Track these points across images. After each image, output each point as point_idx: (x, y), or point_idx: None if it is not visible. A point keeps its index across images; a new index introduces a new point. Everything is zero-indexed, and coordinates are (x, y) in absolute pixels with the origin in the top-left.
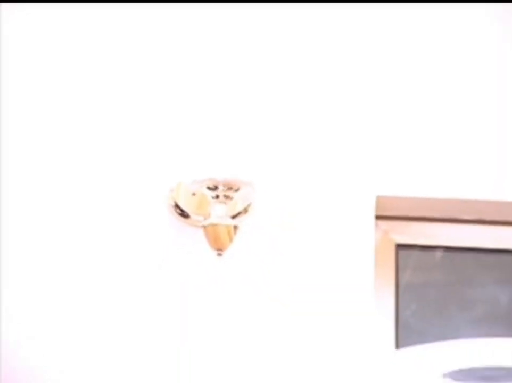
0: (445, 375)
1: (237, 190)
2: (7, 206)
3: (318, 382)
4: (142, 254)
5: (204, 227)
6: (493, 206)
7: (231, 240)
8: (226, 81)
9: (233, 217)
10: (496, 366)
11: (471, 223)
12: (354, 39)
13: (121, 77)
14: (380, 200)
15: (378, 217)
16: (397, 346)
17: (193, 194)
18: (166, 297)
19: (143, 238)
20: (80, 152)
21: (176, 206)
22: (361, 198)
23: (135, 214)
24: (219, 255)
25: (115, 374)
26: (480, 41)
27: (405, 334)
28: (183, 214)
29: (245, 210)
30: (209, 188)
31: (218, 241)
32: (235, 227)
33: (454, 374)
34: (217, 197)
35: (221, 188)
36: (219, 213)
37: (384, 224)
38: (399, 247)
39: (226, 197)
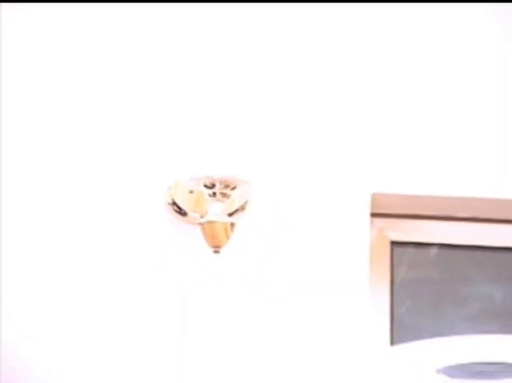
0: (439, 371)
1: (233, 188)
2: (7, 205)
3: (313, 378)
4: (140, 251)
5: (201, 224)
6: (488, 203)
7: (228, 237)
8: (224, 80)
9: (230, 214)
10: (490, 362)
11: (465, 220)
12: (352, 37)
13: (119, 77)
14: (375, 198)
15: (373, 215)
16: (392, 342)
17: (191, 192)
18: (163, 293)
19: (141, 235)
20: (78, 152)
21: (174, 203)
22: (357, 196)
23: (133, 211)
24: (216, 252)
25: (115, 370)
26: (480, 41)
27: (400, 331)
28: (181, 212)
29: (242, 207)
30: (206, 186)
31: (215, 239)
32: (232, 224)
33: (448, 370)
34: (214, 194)
35: (218, 185)
36: (216, 210)
37: (379, 221)
38: (394, 244)
39: (223, 194)
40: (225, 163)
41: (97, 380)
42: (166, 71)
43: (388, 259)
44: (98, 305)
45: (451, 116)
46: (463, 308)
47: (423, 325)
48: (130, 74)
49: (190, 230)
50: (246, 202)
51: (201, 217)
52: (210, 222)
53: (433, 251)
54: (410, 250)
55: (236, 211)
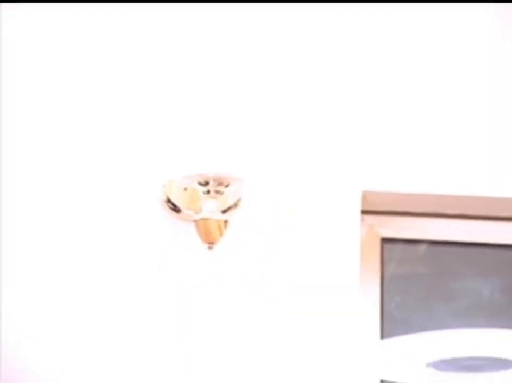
0: (428, 365)
1: (227, 186)
2: (7, 205)
3: (306, 370)
4: (136, 247)
5: (196, 221)
6: (476, 201)
7: (221, 234)
8: (218, 79)
9: (224, 211)
10: (478, 356)
11: (454, 217)
12: (349, 36)
13: (117, 77)
14: (366, 196)
15: (364, 212)
16: (382, 336)
17: (185, 189)
18: (160, 287)
19: (136, 232)
20: (75, 151)
21: (169, 201)
22: (348, 194)
23: (129, 209)
24: (210, 248)
25: (115, 368)
26: (480, 41)
27: (390, 325)
28: (175, 209)
29: (235, 205)
30: (200, 184)
31: (209, 235)
32: (225, 221)
33: (437, 364)
34: (208, 192)
35: (211, 183)
36: (210, 207)
37: (370, 218)
38: (384, 240)
39: (217, 192)
40: (218, 161)
41: (97, 380)
42: (160, 71)
43: (379, 255)
44: (96, 301)
45: (442, 115)
46: (452, 303)
47: (413, 319)
48: (127, 74)
49: (185, 226)
50: (239, 200)
51: (196, 214)
52: (204, 219)
53: (422, 247)
54: (400, 246)
55: (229, 208)
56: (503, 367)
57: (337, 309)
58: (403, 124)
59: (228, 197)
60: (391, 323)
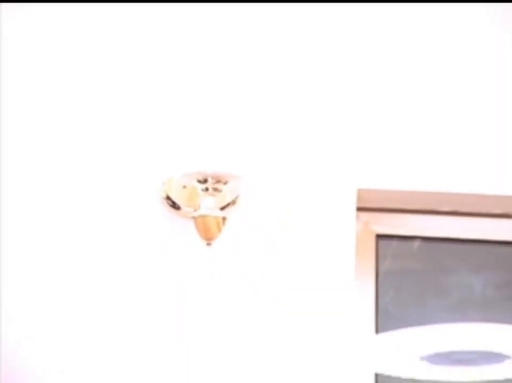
0: (422, 359)
1: (225, 183)
2: (7, 205)
3: (301, 364)
4: (136, 243)
5: (194, 218)
6: (468, 198)
7: (220, 230)
8: (216, 78)
9: (222, 208)
10: (471, 349)
11: (447, 214)
12: (349, 36)
13: (117, 76)
14: (361, 193)
15: (359, 209)
16: (377, 330)
17: (184, 187)
18: (159, 283)
19: (137, 229)
20: (75, 150)
21: (168, 198)
22: (343, 191)
23: (129, 206)
24: (208, 244)
25: (115, 364)
26: (480, 41)
27: (384, 320)
28: (175, 206)
29: (233, 202)
30: (199, 181)
31: (208, 232)
32: (224, 218)
33: (431, 358)
34: (206, 189)
35: (210, 181)
36: (208, 204)
37: (365, 215)
38: (379, 237)
39: (215, 189)
40: (217, 160)
41: (97, 377)
42: (160, 70)
43: (373, 252)
44: (96, 298)
45: (437, 114)
46: (445, 298)
47: (407, 314)
48: (127, 73)
49: (184, 223)
50: (237, 197)
51: (195, 211)
52: (203, 216)
53: (416, 244)
54: (394, 243)
55: (227, 205)
56: (496, 361)
57: (332, 305)
58: (397, 124)
59: (226, 195)
60: (386, 318)
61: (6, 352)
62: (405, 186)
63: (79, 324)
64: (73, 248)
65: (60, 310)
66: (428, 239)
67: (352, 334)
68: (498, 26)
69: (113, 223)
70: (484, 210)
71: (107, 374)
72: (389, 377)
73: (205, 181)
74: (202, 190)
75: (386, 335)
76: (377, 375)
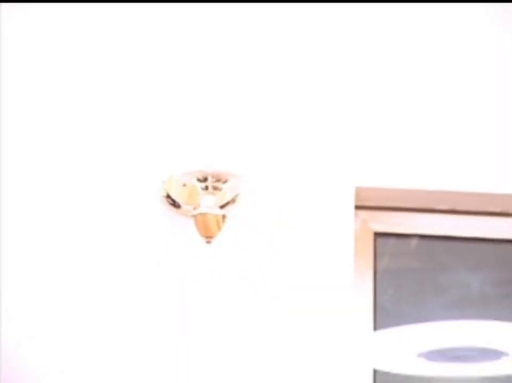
0: (420, 355)
1: (225, 182)
2: (7, 205)
3: (300, 361)
4: (137, 241)
5: (194, 216)
6: (466, 196)
7: (219, 228)
8: (216, 77)
9: (222, 207)
10: (468, 346)
11: (444, 212)
12: (348, 35)
13: (117, 75)
14: (359, 191)
15: (357, 207)
16: (375, 327)
17: (184, 185)
18: (159, 281)
19: (137, 227)
20: (76, 149)
21: (168, 196)
22: (341, 190)
23: (130, 204)
24: (208, 242)
25: (115, 363)
26: (480, 41)
27: (382, 317)
28: (175, 204)
29: (233, 200)
30: (199, 180)
31: (207, 230)
32: (223, 216)
33: (429, 354)
34: (206, 188)
35: (210, 179)
36: (208, 203)
37: (363, 213)
38: (377, 235)
39: (215, 188)
40: (216, 159)
41: (97, 376)
42: (160, 69)
43: (372, 250)
44: (96, 295)
45: (435, 113)
46: (442, 295)
47: (405, 311)
48: (127, 73)
49: (184, 221)
50: (236, 195)
51: (194, 209)
52: (202, 214)
53: (414, 241)
54: (392, 240)
55: (227, 203)
56: (493, 357)
57: (331, 302)
58: (395, 123)
59: (226, 193)
60: (384, 315)
61: (6, 352)
62: (403, 185)
63: (79, 322)
64: (73, 247)
65: (60, 309)
66: (425, 237)
67: (351, 331)
68: (498, 26)
69: (114, 221)
70: (481, 209)
71: (107, 370)
72: (387, 373)
73: (205, 179)
74: (202, 188)
75: (384, 332)
76: (375, 372)
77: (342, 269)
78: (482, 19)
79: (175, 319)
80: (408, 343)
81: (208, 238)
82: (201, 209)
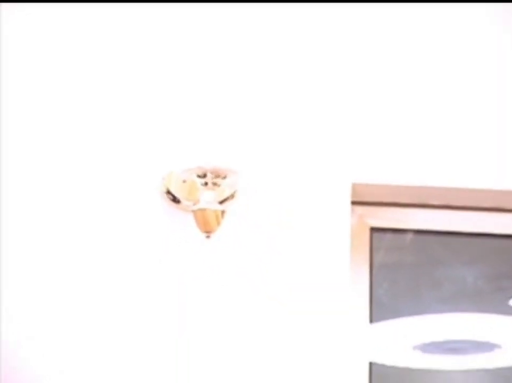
0: (415, 348)
1: (224, 178)
2: (7, 205)
3: (297, 353)
4: (137, 237)
5: (194, 212)
6: (460, 192)
7: (218, 223)
8: (215, 75)
9: (221, 202)
10: (462, 339)
11: (439, 208)
12: (347, 33)
13: (117, 73)
14: (355, 187)
15: (353, 203)
16: (371, 321)
17: (184, 181)
18: (160, 276)
19: (138, 222)
20: (77, 145)
21: (168, 192)
22: (338, 185)
23: (130, 200)
24: (208, 237)
25: (115, 359)
26: (480, 41)
27: (378, 310)
28: (175, 200)
29: (232, 196)
30: (198, 176)
31: (207, 225)
32: (222, 212)
33: (424, 347)
34: (206, 184)
35: (209, 175)
36: (208, 198)
37: (359, 209)
38: (373, 230)
39: (214, 184)
40: (216, 155)
41: (98, 376)
42: (160, 67)
43: (368, 244)
44: (96, 292)
45: (430, 111)
46: (437, 289)
47: (401, 305)
48: (127, 70)
49: (184, 216)
50: (235, 191)
51: (194, 205)
52: (202, 209)
53: (409, 236)
54: (388, 235)
55: (226, 199)
56: (486, 350)
57: (327, 296)
58: (391, 120)
59: (225, 189)
60: (380, 308)
61: (6, 352)
62: (399, 181)
63: (79, 316)
64: (73, 244)
65: (60, 304)
66: (421, 232)
67: (347, 324)
68: (498, 26)
69: (115, 217)
70: (475, 204)
71: (107, 365)
72: (383, 366)
73: (204, 175)
74: (201, 184)
75: (380, 326)
76: (371, 364)
77: (339, 264)
78: (482, 19)
79: (175, 312)
80: (403, 336)
81: (208, 232)
82: (201, 205)
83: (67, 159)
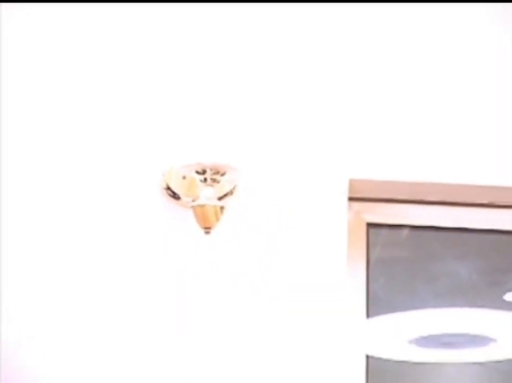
0: (410, 342)
1: (223, 174)
2: (7, 204)
3: (294, 347)
4: (137, 233)
5: (193, 207)
6: (454, 188)
7: (218, 219)
8: (215, 72)
9: (220, 198)
10: (456, 333)
11: (435, 204)
12: (346, 32)
13: (117, 71)
14: (352, 183)
15: (350, 199)
16: (368, 315)
17: (184, 177)
18: (160, 271)
19: (138, 218)
20: (77, 143)
21: (168, 188)
22: (335, 182)
23: (130, 196)
24: (207, 233)
25: (115, 355)
26: (480, 41)
27: (375, 305)
28: (175, 196)
29: (231, 192)
30: (198, 172)
31: (206, 220)
32: (221, 207)
33: (419, 341)
34: (205, 180)
35: (208, 172)
36: (207, 194)
37: (356, 205)
38: (370, 225)
39: (214, 180)
40: (215, 152)
41: (98, 375)
42: (160, 64)
43: (364, 240)
44: (96, 289)
45: (428, 108)
46: (433, 284)
47: (396, 300)
48: (127, 69)
49: (183, 212)
50: (234, 187)
51: (193, 201)
52: (201, 205)
53: (405, 232)
54: (384, 231)
55: (225, 195)
56: (480, 344)
57: (324, 291)
58: (388, 117)
59: (224, 185)
60: (376, 303)
61: (6, 352)
62: (395, 177)
63: (79, 314)
64: (73, 240)
65: (60, 302)
66: (416, 228)
67: (344, 318)
68: (498, 26)
69: (115, 213)
70: (470, 200)
71: (107, 361)
72: (379, 359)
73: (204, 172)
74: (201, 180)
75: (376, 320)
76: (367, 357)
77: (335, 259)
78: (482, 19)
79: (174, 307)
80: (399, 330)
81: (207, 228)
82: (200, 201)
83: (67, 156)
